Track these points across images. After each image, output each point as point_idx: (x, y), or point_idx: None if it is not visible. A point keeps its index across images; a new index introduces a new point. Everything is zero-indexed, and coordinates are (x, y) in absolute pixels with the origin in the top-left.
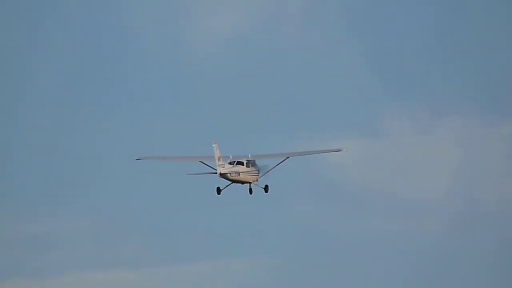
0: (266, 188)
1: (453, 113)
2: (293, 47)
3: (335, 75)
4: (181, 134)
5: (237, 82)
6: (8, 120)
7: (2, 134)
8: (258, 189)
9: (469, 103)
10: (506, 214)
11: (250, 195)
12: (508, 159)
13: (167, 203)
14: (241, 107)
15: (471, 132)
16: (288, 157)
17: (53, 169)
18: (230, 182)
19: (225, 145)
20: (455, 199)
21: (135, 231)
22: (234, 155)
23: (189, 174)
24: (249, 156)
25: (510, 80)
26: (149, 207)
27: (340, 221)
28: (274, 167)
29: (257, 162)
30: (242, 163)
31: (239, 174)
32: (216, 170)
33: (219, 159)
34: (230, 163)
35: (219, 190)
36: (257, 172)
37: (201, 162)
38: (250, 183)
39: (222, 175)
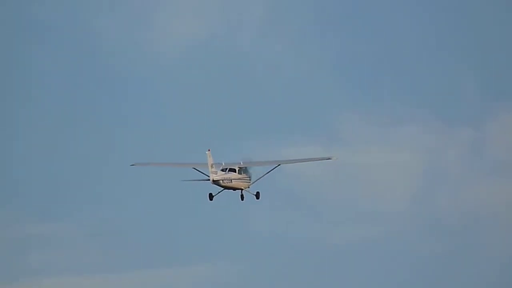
0: (257, 195)
1: (412, 120)
2: (252, 52)
3: (295, 81)
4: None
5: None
6: None
7: None
8: (249, 196)
9: (427, 110)
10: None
11: (241, 201)
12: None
13: (161, 208)
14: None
15: (433, 138)
16: (279, 165)
17: (46, 175)
18: (222, 189)
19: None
20: (420, 206)
21: (129, 236)
22: (226, 162)
23: (183, 181)
24: (241, 163)
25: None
26: (143, 212)
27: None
28: (265, 174)
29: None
30: (234, 170)
31: (231, 181)
32: (209, 176)
33: (212, 166)
34: (222, 170)
35: (211, 196)
36: (248, 179)
37: (194, 168)
38: (241, 189)
39: (215, 182)
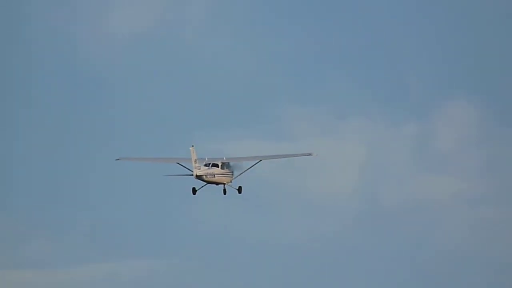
0: (239, 189)
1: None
2: (197, 46)
3: (241, 75)
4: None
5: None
6: None
7: None
8: (232, 190)
9: (375, 104)
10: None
11: (224, 195)
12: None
13: (145, 202)
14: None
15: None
16: (260, 160)
17: (31, 170)
18: (205, 183)
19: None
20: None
21: (112, 229)
22: (209, 157)
23: (166, 176)
24: (224, 159)
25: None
26: (128, 206)
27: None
28: (247, 169)
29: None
30: (217, 165)
31: (214, 175)
32: (192, 171)
33: (195, 162)
34: (205, 165)
35: (194, 191)
36: (231, 173)
37: (178, 163)
38: (224, 184)
39: (198, 177)
